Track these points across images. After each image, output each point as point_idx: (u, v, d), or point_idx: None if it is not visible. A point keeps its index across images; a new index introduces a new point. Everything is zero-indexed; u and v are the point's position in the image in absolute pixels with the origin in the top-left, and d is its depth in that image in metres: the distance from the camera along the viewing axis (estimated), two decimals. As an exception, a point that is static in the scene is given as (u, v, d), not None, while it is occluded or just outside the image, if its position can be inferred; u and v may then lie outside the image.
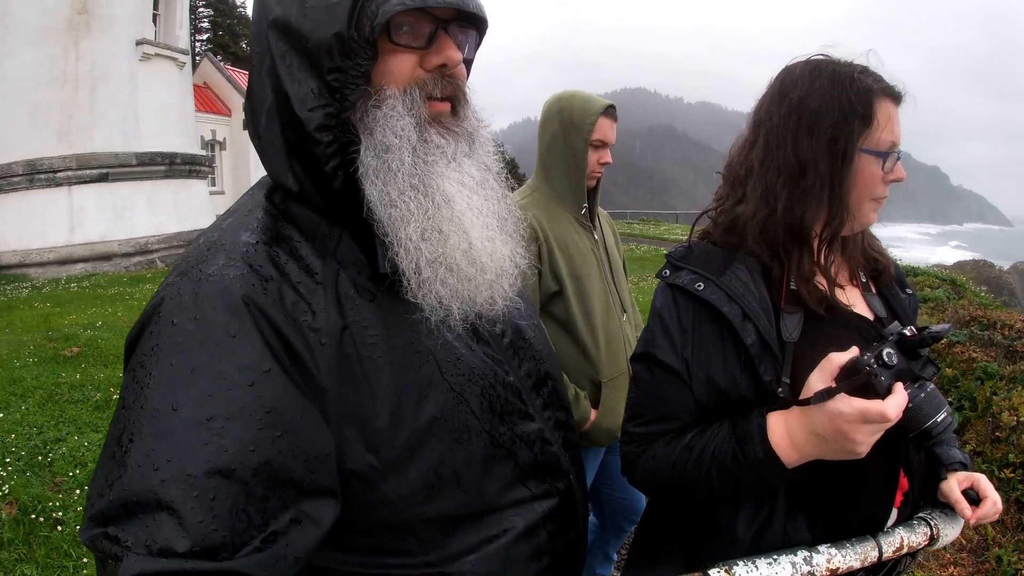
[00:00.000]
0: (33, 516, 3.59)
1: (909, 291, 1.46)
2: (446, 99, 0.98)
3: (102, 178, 14.44)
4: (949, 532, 1.30)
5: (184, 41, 17.26)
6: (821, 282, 1.25)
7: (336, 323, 0.88)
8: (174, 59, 16.23)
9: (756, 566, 1.10)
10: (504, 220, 1.04)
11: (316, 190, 0.94)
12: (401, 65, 0.93)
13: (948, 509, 1.33)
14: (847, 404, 1.04)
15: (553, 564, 1.12)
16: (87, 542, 0.74)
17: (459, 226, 0.95)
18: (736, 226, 1.28)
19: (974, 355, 6.49)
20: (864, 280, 1.37)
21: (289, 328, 0.83)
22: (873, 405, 1.03)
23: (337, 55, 0.87)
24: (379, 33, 0.87)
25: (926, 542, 1.26)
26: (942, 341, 7.27)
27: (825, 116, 1.19)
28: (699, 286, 1.23)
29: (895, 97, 1.23)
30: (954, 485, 1.31)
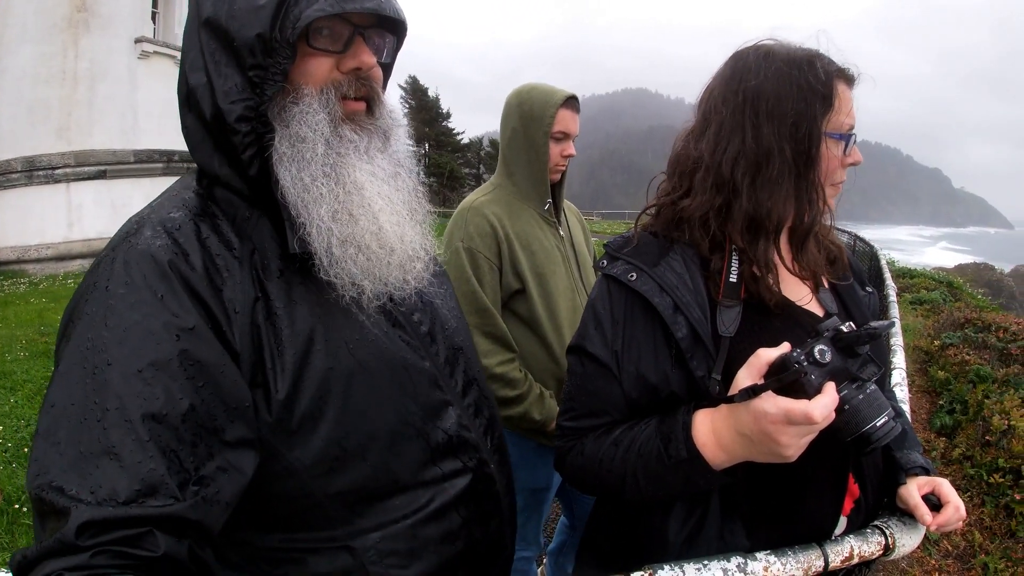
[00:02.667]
0: (17, 506, 3.71)
1: (869, 289, 1.41)
2: (361, 99, 1.06)
3: (100, 175, 14.44)
4: (907, 541, 1.23)
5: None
6: (771, 278, 1.20)
7: (249, 294, 0.95)
8: (173, 57, 16.17)
9: (683, 571, 1.04)
10: (414, 210, 1.12)
11: (237, 176, 1.01)
12: (318, 67, 1.01)
13: (907, 517, 1.27)
14: (772, 403, 0.98)
15: (469, 551, 1.12)
16: (33, 492, 0.79)
17: (369, 211, 1.02)
18: (679, 219, 1.24)
19: (967, 358, 6.47)
20: (816, 277, 1.31)
21: (208, 294, 0.91)
22: (798, 405, 0.96)
23: (259, 53, 0.95)
24: (299, 36, 0.95)
25: (880, 551, 1.20)
26: (940, 347, 7.24)
27: (785, 101, 1.15)
28: (632, 276, 1.19)
29: (849, 80, 1.21)
30: (913, 490, 1.25)
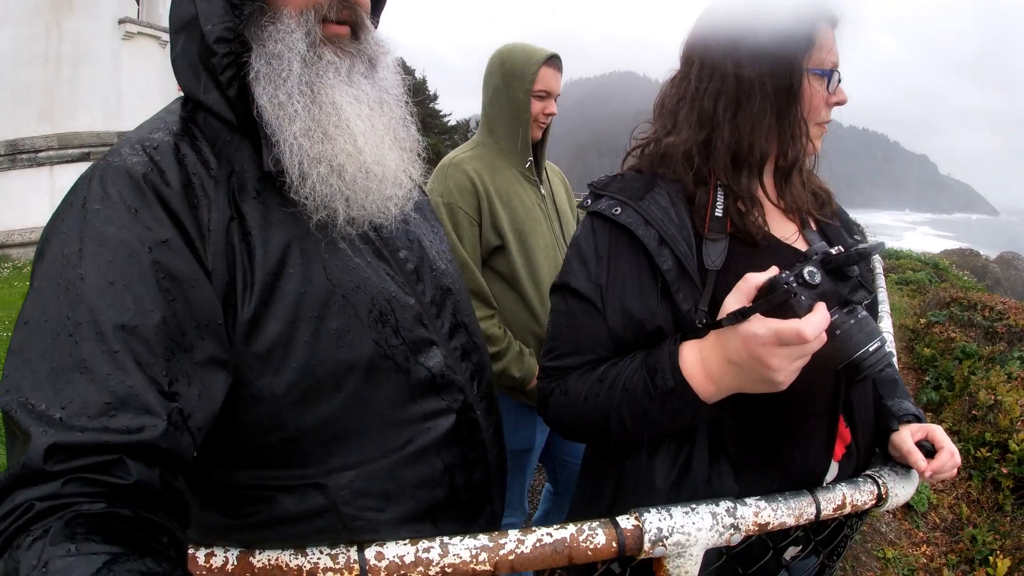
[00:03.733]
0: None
1: (858, 237, 1.38)
2: (344, 23, 1.04)
3: (84, 158, 14.17)
4: (899, 492, 1.21)
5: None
6: (756, 212, 1.19)
7: (224, 213, 0.93)
8: (157, 37, 15.99)
9: (670, 514, 1.01)
10: (398, 136, 1.10)
11: (221, 100, 1.00)
12: None
13: (899, 468, 1.25)
14: (761, 325, 0.96)
15: (450, 499, 1.10)
16: (3, 409, 0.78)
17: (346, 131, 1.01)
18: (663, 155, 1.23)
19: (953, 335, 6.52)
20: (803, 216, 1.30)
21: (182, 210, 0.90)
22: (788, 324, 0.93)
23: None
24: None
25: (873, 501, 1.18)
26: (926, 324, 7.30)
27: (767, 39, 1.15)
28: (616, 211, 1.17)
29: (831, 20, 1.20)
30: (906, 436, 1.24)
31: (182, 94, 1.05)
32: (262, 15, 0.98)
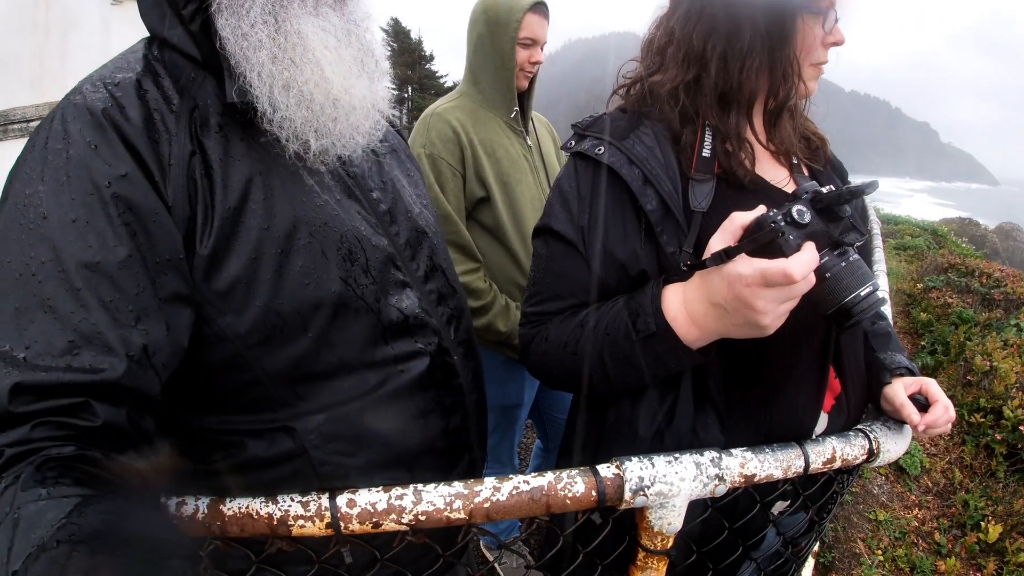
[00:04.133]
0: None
1: (851, 182, 1.36)
2: None
3: (76, 127, 14.12)
4: (891, 447, 1.18)
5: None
6: (744, 153, 1.15)
7: (185, 147, 0.92)
8: None
9: (652, 463, 0.97)
10: (365, 64, 1.06)
11: (186, 35, 0.97)
12: None
13: (892, 423, 1.22)
14: (746, 264, 0.91)
15: (425, 446, 1.08)
16: None
17: (312, 60, 0.98)
18: (650, 94, 1.18)
19: (950, 301, 6.51)
20: (795, 162, 1.25)
21: (142, 145, 0.89)
22: (775, 264, 0.89)
23: None
24: None
25: (864, 456, 1.15)
26: (923, 289, 7.26)
27: None
28: (599, 150, 1.13)
29: None
30: (899, 389, 1.20)
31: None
32: None
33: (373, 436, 1.03)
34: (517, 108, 2.29)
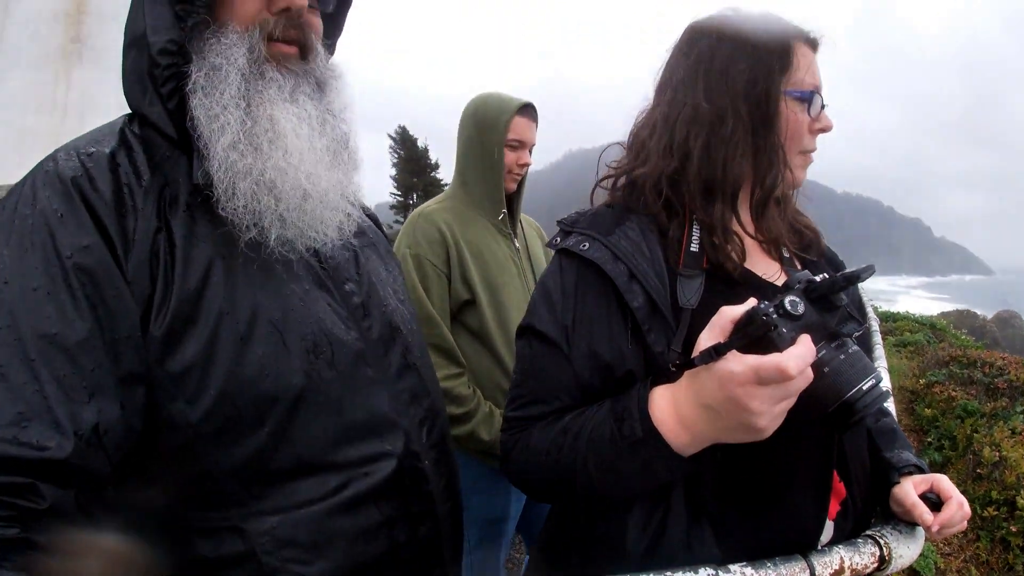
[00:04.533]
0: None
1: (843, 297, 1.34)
2: (292, 42, 1.03)
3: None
4: (904, 552, 1.09)
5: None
6: (732, 246, 1.11)
7: (152, 223, 0.91)
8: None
9: None
10: (340, 157, 1.07)
11: (163, 112, 0.98)
12: (246, 5, 0.99)
13: (902, 525, 1.13)
14: (738, 362, 0.85)
15: (389, 556, 1.01)
16: None
17: (281, 146, 0.98)
18: (634, 186, 1.16)
19: (953, 394, 6.43)
20: (787, 255, 1.21)
21: (109, 218, 0.89)
22: (769, 359, 0.83)
23: None
24: None
25: (874, 564, 1.05)
26: (925, 385, 7.23)
27: (740, 59, 1.09)
28: (584, 246, 1.09)
29: (811, 43, 1.14)
30: (909, 489, 1.12)
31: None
32: (206, 27, 0.97)
33: (332, 543, 0.96)
34: (505, 210, 2.29)
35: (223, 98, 0.95)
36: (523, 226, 2.44)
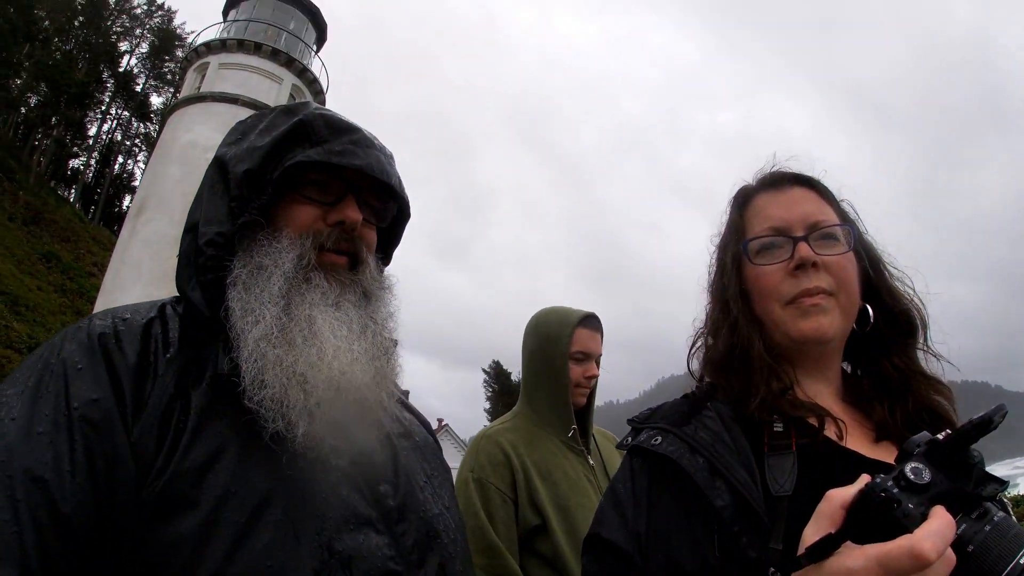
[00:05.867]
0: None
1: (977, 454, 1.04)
2: (343, 253, 1.09)
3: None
4: None
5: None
6: (819, 417, 0.99)
7: (168, 390, 0.92)
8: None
9: None
10: (375, 357, 1.04)
11: (201, 298, 1.02)
12: (302, 214, 1.06)
13: None
14: (858, 556, 0.69)
15: None
16: None
17: (315, 344, 0.98)
18: (708, 366, 1.13)
19: None
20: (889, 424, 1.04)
21: (126, 377, 0.91)
22: (896, 544, 0.66)
23: (244, 187, 1.03)
24: (283, 178, 1.03)
25: None
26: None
27: (723, 230, 1.14)
28: (656, 440, 1.00)
29: (774, 183, 1.12)
30: None
31: None
32: (260, 229, 1.03)
33: None
34: (575, 426, 2.14)
35: (262, 295, 0.98)
36: (597, 440, 2.29)
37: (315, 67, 25.47)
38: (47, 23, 41.73)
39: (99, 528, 0.82)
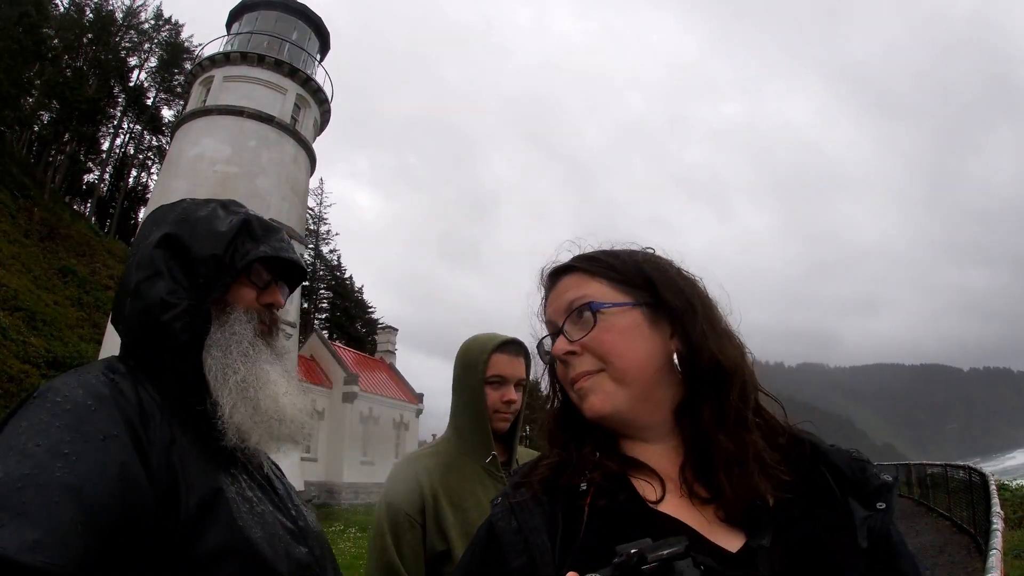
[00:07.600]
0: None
1: (880, 505, 0.96)
2: (269, 325, 1.42)
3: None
4: None
5: (293, 315, 18.36)
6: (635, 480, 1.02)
7: (167, 435, 1.13)
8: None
9: None
10: (300, 387, 1.43)
11: (165, 353, 1.24)
12: (247, 294, 1.37)
13: None
14: None
15: None
16: None
17: (272, 385, 1.33)
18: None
19: None
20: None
21: (134, 418, 1.09)
22: None
23: (212, 269, 1.29)
24: (242, 266, 1.32)
25: None
26: None
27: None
28: (497, 499, 1.10)
29: (550, 279, 1.13)
30: None
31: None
32: (220, 305, 1.32)
33: None
34: (495, 452, 2.16)
35: (235, 353, 1.29)
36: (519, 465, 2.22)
37: (319, 76, 25.55)
38: (56, 41, 42.10)
39: (129, 537, 0.98)
